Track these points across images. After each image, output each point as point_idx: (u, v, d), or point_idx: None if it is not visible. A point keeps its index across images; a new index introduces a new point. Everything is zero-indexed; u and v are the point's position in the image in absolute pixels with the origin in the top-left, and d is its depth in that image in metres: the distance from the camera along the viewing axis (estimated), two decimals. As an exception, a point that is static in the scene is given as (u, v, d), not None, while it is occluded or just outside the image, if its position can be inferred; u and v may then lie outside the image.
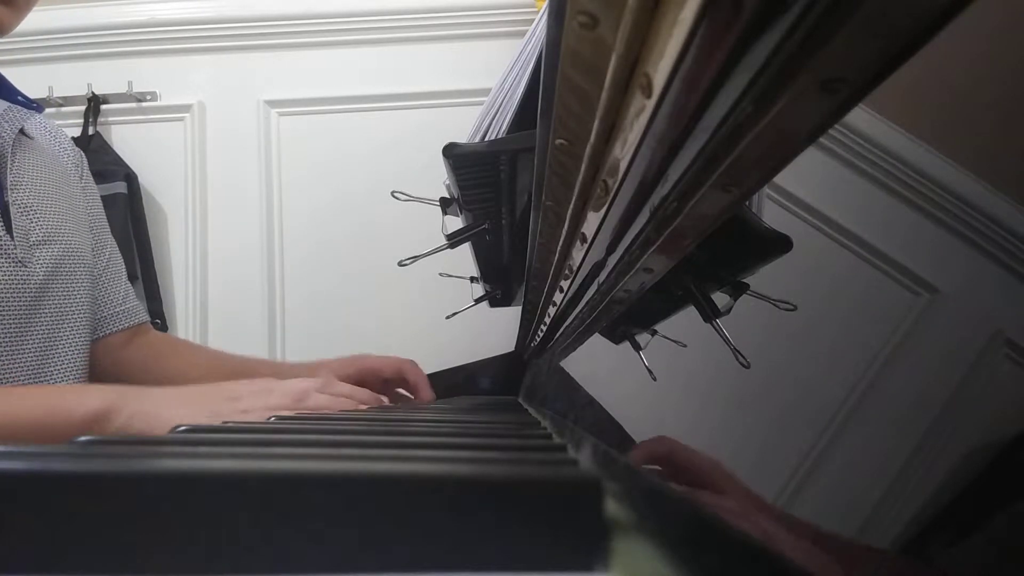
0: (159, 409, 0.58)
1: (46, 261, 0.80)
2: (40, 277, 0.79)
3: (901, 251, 0.21)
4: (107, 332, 0.93)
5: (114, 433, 0.56)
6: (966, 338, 0.18)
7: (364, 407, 0.64)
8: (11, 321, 0.75)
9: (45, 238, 0.81)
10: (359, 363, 0.91)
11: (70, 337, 0.82)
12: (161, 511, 0.15)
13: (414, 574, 0.15)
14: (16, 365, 0.75)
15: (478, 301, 1.05)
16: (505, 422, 0.42)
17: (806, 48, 0.16)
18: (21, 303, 0.77)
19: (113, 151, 1.80)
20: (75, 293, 0.84)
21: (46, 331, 0.79)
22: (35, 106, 0.86)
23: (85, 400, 0.58)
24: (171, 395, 0.61)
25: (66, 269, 0.83)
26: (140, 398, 0.59)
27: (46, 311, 0.79)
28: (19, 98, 0.84)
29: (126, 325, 0.95)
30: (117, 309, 0.94)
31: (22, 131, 0.84)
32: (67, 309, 0.82)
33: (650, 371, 0.43)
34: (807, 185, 0.26)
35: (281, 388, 0.62)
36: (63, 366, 0.80)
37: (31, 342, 0.77)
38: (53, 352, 0.80)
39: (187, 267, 1.83)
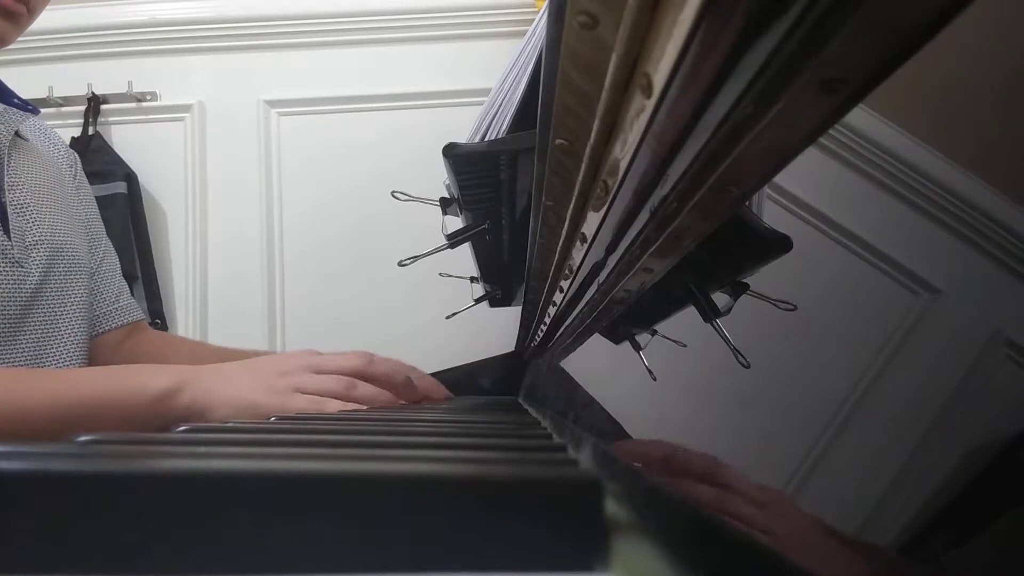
0: (219, 386, 0.60)
1: (42, 261, 0.80)
2: (36, 277, 0.79)
3: (901, 251, 0.21)
4: (102, 330, 0.93)
5: (184, 408, 0.59)
6: (966, 338, 0.18)
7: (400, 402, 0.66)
8: (6, 321, 0.75)
9: (41, 239, 0.81)
10: None
11: (64, 336, 0.82)
12: (161, 511, 0.15)
13: (414, 574, 0.15)
14: (8, 365, 0.76)
15: (478, 301, 1.05)
16: (505, 422, 0.42)
17: (806, 48, 0.16)
18: (17, 303, 0.77)
19: (113, 151, 1.80)
20: (70, 293, 0.84)
21: (39, 331, 0.79)
22: (31, 108, 0.86)
23: (155, 378, 0.60)
24: (229, 370, 0.63)
25: (62, 269, 0.83)
26: (203, 375, 0.61)
27: (41, 311, 0.80)
28: (15, 100, 0.85)
29: (120, 323, 0.95)
30: (111, 307, 0.94)
31: (17, 133, 0.84)
32: (62, 309, 0.82)
33: (650, 371, 0.43)
34: (807, 185, 0.26)
35: (333, 364, 0.64)
36: (57, 365, 0.81)
37: (24, 342, 0.77)
38: (46, 352, 0.80)
39: (187, 267, 1.83)
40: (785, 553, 0.14)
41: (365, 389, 0.63)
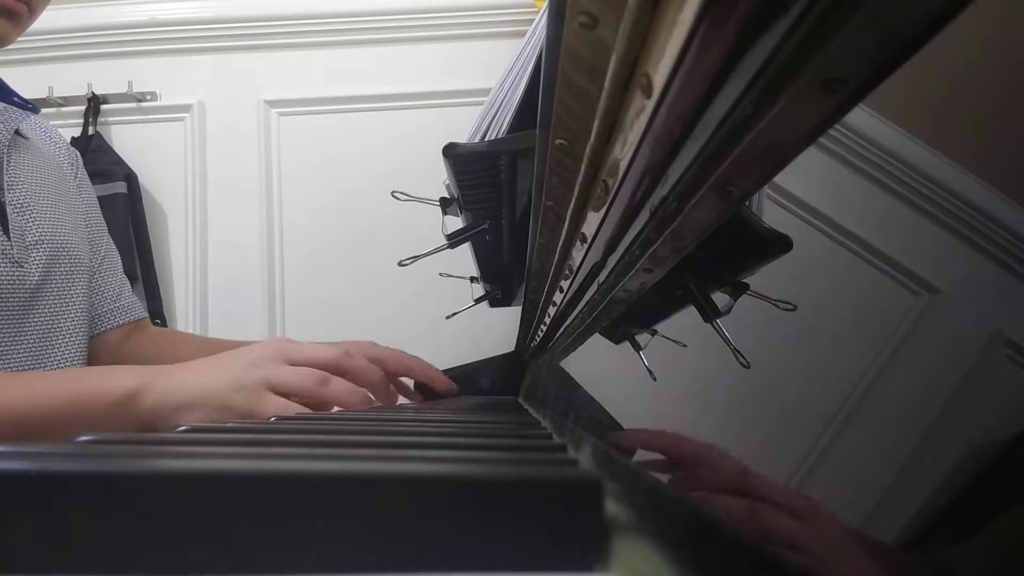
0: (186, 381, 0.59)
1: (42, 261, 0.80)
2: (36, 277, 0.79)
3: (901, 251, 0.21)
4: (103, 329, 0.92)
5: (148, 411, 0.58)
6: (966, 338, 0.18)
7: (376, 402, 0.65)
8: (6, 321, 0.75)
9: (41, 238, 0.81)
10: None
11: (66, 336, 0.82)
12: (161, 511, 0.15)
13: (414, 574, 0.15)
14: (10, 364, 0.76)
15: (478, 301, 1.05)
16: (505, 422, 0.42)
17: (806, 48, 0.16)
18: (16, 303, 0.77)
19: (113, 151, 1.80)
20: (71, 293, 0.84)
21: (41, 331, 0.79)
22: (31, 106, 0.86)
23: (118, 380, 0.59)
24: (195, 367, 0.61)
25: (62, 269, 0.83)
26: (167, 374, 0.60)
27: (41, 311, 0.80)
28: (15, 99, 0.85)
29: (122, 322, 0.95)
30: (112, 306, 0.94)
31: (17, 131, 0.84)
32: (63, 308, 0.82)
33: (650, 371, 0.43)
34: (807, 185, 0.26)
35: (305, 355, 0.62)
36: (59, 365, 0.81)
37: (26, 342, 0.77)
38: (48, 351, 0.80)
39: (187, 267, 1.83)
40: (822, 570, 0.14)
41: (337, 386, 0.61)
